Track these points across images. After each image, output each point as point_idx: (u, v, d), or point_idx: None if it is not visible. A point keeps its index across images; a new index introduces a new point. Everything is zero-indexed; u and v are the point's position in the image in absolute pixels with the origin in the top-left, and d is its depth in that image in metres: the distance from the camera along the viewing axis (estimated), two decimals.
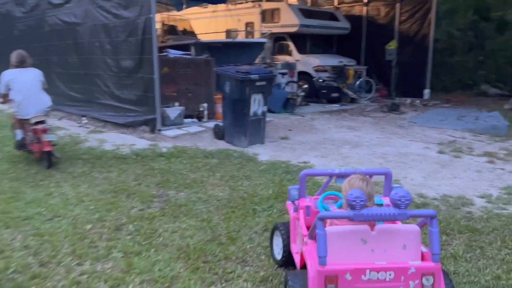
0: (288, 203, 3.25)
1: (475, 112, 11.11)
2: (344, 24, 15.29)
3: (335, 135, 8.05)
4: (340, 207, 2.83)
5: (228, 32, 15.01)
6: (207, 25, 14.80)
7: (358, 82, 13.42)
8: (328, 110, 11.21)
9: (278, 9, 14.12)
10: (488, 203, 4.56)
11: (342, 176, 2.84)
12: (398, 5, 14.76)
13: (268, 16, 14.69)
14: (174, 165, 6.06)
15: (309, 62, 13.48)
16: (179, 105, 8.48)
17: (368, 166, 6.05)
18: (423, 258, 2.44)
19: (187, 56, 8.88)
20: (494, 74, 14.37)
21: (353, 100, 12.93)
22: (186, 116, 8.61)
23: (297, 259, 2.86)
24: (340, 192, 3.02)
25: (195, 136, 7.82)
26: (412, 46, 14.58)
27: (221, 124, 7.65)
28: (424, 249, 2.48)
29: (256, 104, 7.11)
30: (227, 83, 7.11)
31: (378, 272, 2.27)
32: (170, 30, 12.85)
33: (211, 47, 10.11)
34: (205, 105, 8.79)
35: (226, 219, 4.12)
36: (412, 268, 2.30)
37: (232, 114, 7.21)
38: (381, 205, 2.72)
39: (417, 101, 13.15)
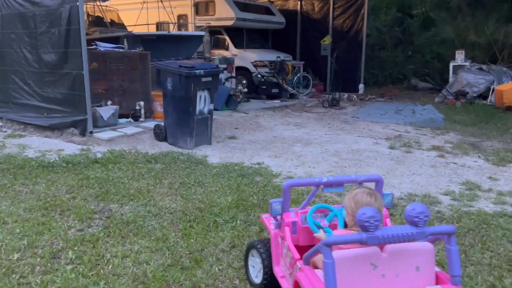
0: (265, 216, 2.86)
1: (410, 106, 11.41)
2: (280, 18, 15.10)
3: (284, 133, 7.73)
4: (330, 221, 2.53)
5: (159, 25, 14.17)
6: (137, 16, 13.82)
7: (296, 78, 13.28)
8: (270, 106, 10.90)
9: (212, 1, 13.56)
10: (453, 201, 4.45)
11: (330, 185, 2.49)
12: (331, 0, 14.83)
13: (202, 8, 14.08)
14: (112, 173, 5.36)
15: (246, 57, 13.10)
16: (112, 104, 7.68)
17: (324, 165, 5.79)
18: (437, 280, 2.12)
19: (119, 50, 8.06)
20: (422, 69, 14.96)
21: (292, 96, 12.76)
22: (120, 116, 7.83)
23: (285, 286, 2.45)
24: (328, 204, 2.72)
25: (133, 138, 7.09)
26: (346, 41, 14.76)
27: (162, 124, 7.00)
28: (437, 269, 2.17)
29: (202, 102, 6.56)
30: (169, 79, 6.48)
31: None
32: (96, 21, 11.79)
33: (144, 40, 9.33)
34: (142, 103, 8.06)
35: (185, 236, 3.58)
36: None
37: (175, 113, 6.60)
38: None
39: (354, 96, 13.29)
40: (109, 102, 7.60)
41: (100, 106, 7.45)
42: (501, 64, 12.89)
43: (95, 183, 4.97)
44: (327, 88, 15.17)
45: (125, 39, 8.34)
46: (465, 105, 11.06)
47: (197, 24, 13.44)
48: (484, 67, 12.15)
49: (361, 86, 14.46)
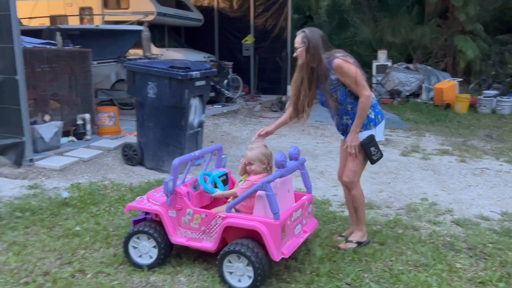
0: (139, 199, 3.18)
1: None
2: (198, 15, 13.75)
3: (273, 144, 6.60)
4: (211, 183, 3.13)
5: (53, 18, 11.76)
6: (28, 8, 11.22)
7: (226, 80, 12.14)
8: (216, 112, 9.62)
9: None
10: None
11: (200, 157, 3.18)
12: None
13: (111, 1, 12.03)
14: (103, 219, 3.74)
15: (172, 57, 11.52)
16: (50, 119, 5.70)
17: (367, 184, 4.89)
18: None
19: (51, 47, 6.06)
20: None
21: (227, 100, 11.61)
22: None
23: (199, 244, 2.85)
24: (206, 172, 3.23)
25: (93, 164, 5.29)
26: (270, 41, 14.09)
27: (134, 143, 5.35)
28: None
29: (193, 112, 5.13)
30: (151, 84, 4.91)
31: (296, 211, 2.85)
32: None
33: (67, 36, 7.32)
34: (87, 116, 6.18)
35: None
36: (306, 201, 3.01)
37: (159, 128, 5.05)
38: (225, 175, 3.25)
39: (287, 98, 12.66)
40: (47, 117, 5.62)
41: (35, 123, 5.44)
42: (414, 63, 13.49)
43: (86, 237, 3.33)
44: (251, 90, 14.38)
45: (57, 33, 6.33)
46: (403, 104, 11.19)
47: (106, 19, 11.41)
48: (410, 66, 12.52)
49: (289, 87, 13.90)
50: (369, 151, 3.06)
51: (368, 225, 3.64)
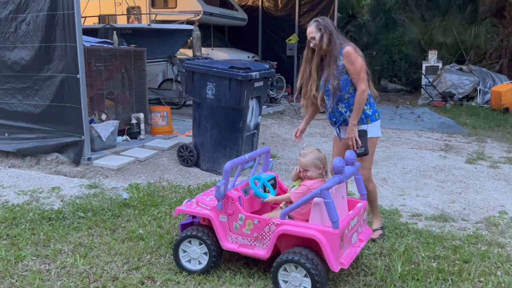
0: (187, 202, 3.08)
1: (403, 109, 10.78)
2: (242, 14, 13.66)
3: (324, 147, 6.39)
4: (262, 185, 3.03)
5: (103, 17, 11.96)
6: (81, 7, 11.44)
7: (270, 80, 11.97)
8: (264, 113, 9.44)
9: None
10: None
11: (251, 160, 3.13)
12: None
13: (159, 0, 12.12)
14: (165, 223, 3.65)
15: (215, 57, 11.45)
16: (107, 118, 5.71)
17: (436, 194, 4.60)
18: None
19: (108, 46, 6.08)
20: (389, 69, 14.58)
21: (271, 100, 11.45)
22: None
23: (252, 251, 2.75)
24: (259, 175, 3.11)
25: (149, 164, 5.25)
26: None
27: (190, 144, 5.27)
28: None
29: (250, 114, 4.99)
30: (209, 85, 4.80)
31: (353, 219, 2.73)
32: None
33: (120, 35, 7.36)
34: (141, 115, 6.17)
35: None
36: (362, 208, 2.87)
37: (216, 129, 4.94)
38: (273, 179, 3.15)
39: None
40: (104, 116, 5.63)
41: (91, 122, 5.46)
42: (468, 64, 12.88)
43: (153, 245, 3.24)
44: (294, 91, 14.16)
45: (114, 32, 6.36)
46: (456, 107, 10.69)
47: (152, 19, 11.48)
48: (464, 67, 11.96)
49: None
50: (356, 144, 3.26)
51: (446, 240, 3.38)
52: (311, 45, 3.25)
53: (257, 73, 4.75)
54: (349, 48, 3.18)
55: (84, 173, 4.92)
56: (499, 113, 9.82)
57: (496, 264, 3.02)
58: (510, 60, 13.05)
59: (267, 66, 5.08)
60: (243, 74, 4.57)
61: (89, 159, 5.06)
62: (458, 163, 5.67)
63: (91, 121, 5.47)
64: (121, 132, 6.05)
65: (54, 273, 2.90)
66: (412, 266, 2.99)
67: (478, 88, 11.19)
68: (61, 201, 4.16)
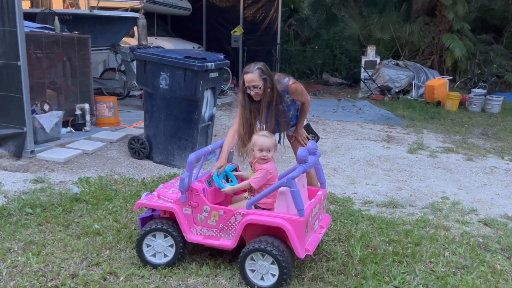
0: (148, 195, 3.01)
1: (345, 102, 11.17)
2: (186, 4, 13.41)
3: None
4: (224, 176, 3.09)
5: (36, 1, 11.21)
6: None
7: None
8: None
9: None
10: None
11: (212, 152, 3.11)
12: None
13: None
14: (122, 217, 3.55)
15: (161, 47, 11.17)
16: (49, 109, 5.40)
17: (384, 182, 4.84)
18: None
19: (50, 32, 5.71)
20: (330, 63, 15.01)
21: (222, 92, 11.38)
22: None
23: (218, 242, 2.76)
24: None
25: (98, 157, 5.04)
26: (259, 33, 13.92)
27: (141, 136, 5.13)
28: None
29: (205, 105, 4.94)
30: (163, 75, 4.69)
31: (315, 207, 2.78)
32: None
33: (60, 20, 6.94)
34: (86, 106, 5.89)
35: None
36: (322, 196, 2.94)
37: (170, 121, 4.84)
38: (234, 169, 3.22)
39: None
40: (47, 107, 5.31)
41: (33, 112, 5.13)
42: (403, 60, 13.60)
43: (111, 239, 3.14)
44: (239, 82, 14.17)
45: (55, 18, 5.98)
46: (394, 100, 11.26)
47: (93, 5, 10.95)
48: (400, 63, 12.60)
49: None
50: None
51: (398, 225, 3.59)
52: (252, 93, 3.03)
53: (213, 63, 4.71)
54: (294, 86, 3.19)
55: (27, 167, 4.62)
56: (432, 106, 10.47)
57: (444, 245, 3.26)
58: (441, 56, 13.93)
59: (222, 57, 5.04)
60: (199, 64, 4.51)
61: (32, 152, 4.77)
62: (400, 153, 6.00)
63: (33, 112, 5.14)
64: (64, 124, 5.74)
65: (6, 273, 2.73)
66: (370, 250, 3.14)
67: (413, 83, 11.84)
68: (4, 197, 3.90)
